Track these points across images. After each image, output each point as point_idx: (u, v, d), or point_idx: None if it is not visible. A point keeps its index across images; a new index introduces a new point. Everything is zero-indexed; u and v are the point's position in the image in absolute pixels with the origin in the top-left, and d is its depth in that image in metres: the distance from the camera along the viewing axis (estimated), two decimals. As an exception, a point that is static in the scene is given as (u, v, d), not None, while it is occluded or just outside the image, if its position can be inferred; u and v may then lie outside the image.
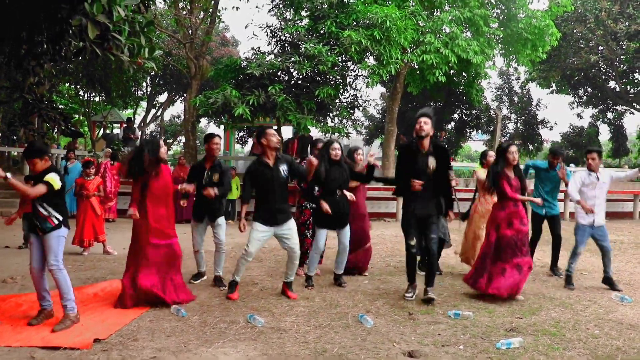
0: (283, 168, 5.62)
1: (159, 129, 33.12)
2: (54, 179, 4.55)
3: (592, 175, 6.47)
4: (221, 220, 6.32)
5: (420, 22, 13.87)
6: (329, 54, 12.27)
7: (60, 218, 4.67)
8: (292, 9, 14.23)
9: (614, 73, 24.08)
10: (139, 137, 21.70)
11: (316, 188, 6.65)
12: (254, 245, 5.55)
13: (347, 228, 6.29)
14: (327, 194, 6.14)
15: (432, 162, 5.55)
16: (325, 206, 6.00)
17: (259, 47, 14.54)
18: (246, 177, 5.69)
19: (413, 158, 5.60)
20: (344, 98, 14.54)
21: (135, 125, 23.32)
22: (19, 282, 6.21)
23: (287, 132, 18.83)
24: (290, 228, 5.64)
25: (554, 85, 25.66)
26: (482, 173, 6.92)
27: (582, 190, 6.47)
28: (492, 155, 7.08)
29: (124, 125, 21.57)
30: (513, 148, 6.00)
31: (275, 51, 14.01)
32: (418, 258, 6.06)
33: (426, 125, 5.52)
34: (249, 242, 5.54)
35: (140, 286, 5.10)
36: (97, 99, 24.26)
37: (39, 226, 4.62)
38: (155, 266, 5.24)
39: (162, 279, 5.27)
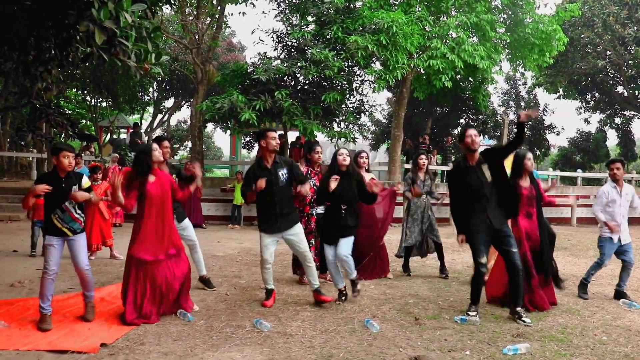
0: (282, 172, 5.49)
1: (165, 134, 33.22)
2: (88, 182, 5.05)
3: (616, 189, 6.16)
4: (186, 222, 6.19)
5: (426, 27, 13.88)
6: (335, 59, 12.28)
7: (84, 219, 5.01)
8: (298, 15, 14.27)
9: (621, 78, 23.97)
10: (146, 142, 21.76)
11: (317, 209, 6.53)
12: (266, 252, 5.51)
13: (347, 240, 5.74)
14: (331, 208, 5.81)
15: (487, 172, 5.24)
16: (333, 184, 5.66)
17: (265, 53, 14.60)
18: (245, 178, 5.63)
19: (465, 176, 5.28)
20: (350, 103, 14.55)
21: (142, 131, 23.38)
22: (27, 286, 6.24)
23: (294, 137, 18.84)
24: (296, 233, 5.53)
25: (561, 90, 25.56)
26: None
27: (607, 208, 6.16)
28: None
29: (131, 130, 21.66)
30: (530, 155, 5.86)
31: (282, 56, 14.05)
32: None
33: (477, 138, 5.29)
34: (262, 251, 5.53)
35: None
36: (104, 104, 24.41)
37: (69, 227, 4.78)
38: (154, 290, 4.97)
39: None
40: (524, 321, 5.08)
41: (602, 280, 7.15)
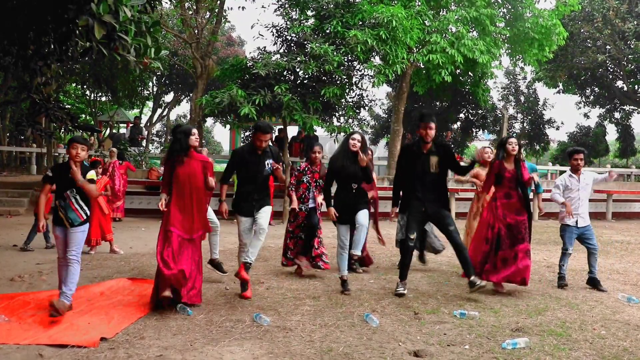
0: (268, 162, 5.76)
1: (165, 128, 33.21)
2: (94, 176, 5.02)
3: (574, 178, 6.53)
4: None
5: (426, 21, 13.85)
6: (334, 53, 12.26)
7: (88, 213, 5.01)
8: (297, 9, 14.23)
9: (621, 73, 23.94)
10: (146, 137, 21.76)
11: (319, 200, 6.73)
12: (246, 237, 5.78)
13: (365, 211, 6.00)
14: (341, 189, 6.05)
15: (434, 160, 5.78)
16: (332, 211, 5.90)
17: (264, 47, 14.53)
18: (231, 159, 5.88)
19: (415, 159, 5.81)
20: (350, 98, 14.53)
21: (142, 125, 23.33)
22: (27, 281, 6.25)
23: (293, 131, 18.85)
24: (265, 210, 5.76)
25: (560, 84, 25.53)
26: (482, 171, 7.05)
27: (565, 194, 6.54)
28: (487, 152, 7.19)
29: (131, 124, 21.64)
30: (512, 140, 6.24)
31: (281, 51, 14.01)
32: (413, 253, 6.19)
33: (431, 130, 5.77)
34: (240, 236, 5.81)
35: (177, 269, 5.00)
36: (103, 98, 24.39)
37: (67, 217, 4.83)
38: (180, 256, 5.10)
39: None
40: (480, 285, 5.63)
41: (600, 275, 7.15)
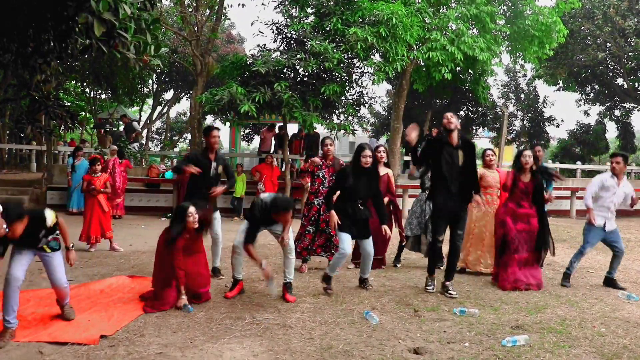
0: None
1: (164, 126, 33.20)
2: (51, 217, 4.39)
3: (614, 179, 6.32)
4: (216, 214, 6.37)
5: (426, 19, 13.81)
6: (334, 51, 12.23)
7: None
8: (297, 6, 14.19)
9: (621, 70, 23.90)
10: (140, 133, 21.66)
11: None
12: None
13: (369, 239, 5.89)
14: (346, 201, 5.78)
15: (461, 155, 5.71)
16: (334, 219, 5.67)
17: (264, 45, 14.51)
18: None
19: (442, 150, 5.71)
20: (350, 95, 14.50)
21: (136, 122, 23.04)
22: (27, 278, 6.23)
23: (293, 129, 18.83)
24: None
25: (560, 82, 25.49)
26: (488, 172, 7.03)
27: (601, 193, 6.33)
28: (488, 155, 7.15)
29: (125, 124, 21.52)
30: (527, 152, 6.26)
31: (281, 48, 13.98)
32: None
33: (453, 118, 5.74)
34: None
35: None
36: (103, 96, 24.37)
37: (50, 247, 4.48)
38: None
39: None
40: (450, 294, 5.70)
41: (601, 272, 7.17)
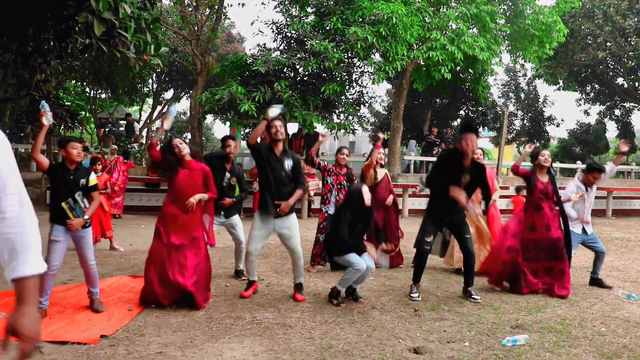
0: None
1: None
2: (95, 180, 5.00)
3: (583, 189, 6.39)
4: (237, 219, 6.44)
5: (426, 18, 13.83)
6: (334, 50, 12.25)
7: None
8: (297, 6, 14.21)
9: (621, 70, 23.91)
10: (139, 134, 21.68)
11: (329, 209, 6.83)
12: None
13: (367, 253, 5.60)
14: (350, 226, 5.56)
15: (467, 178, 5.55)
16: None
17: (264, 44, 14.54)
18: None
19: (456, 166, 5.54)
20: (350, 95, 14.54)
21: (135, 121, 23.04)
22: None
23: (295, 128, 18.83)
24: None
25: (561, 81, 25.51)
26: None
27: (577, 206, 6.40)
28: (476, 153, 7.11)
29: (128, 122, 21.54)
30: (545, 152, 6.21)
31: (281, 48, 14.01)
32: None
33: (472, 142, 5.47)
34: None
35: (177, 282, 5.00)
36: (103, 95, 24.35)
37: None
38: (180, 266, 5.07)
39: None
40: (474, 298, 5.59)
41: (601, 272, 7.17)
